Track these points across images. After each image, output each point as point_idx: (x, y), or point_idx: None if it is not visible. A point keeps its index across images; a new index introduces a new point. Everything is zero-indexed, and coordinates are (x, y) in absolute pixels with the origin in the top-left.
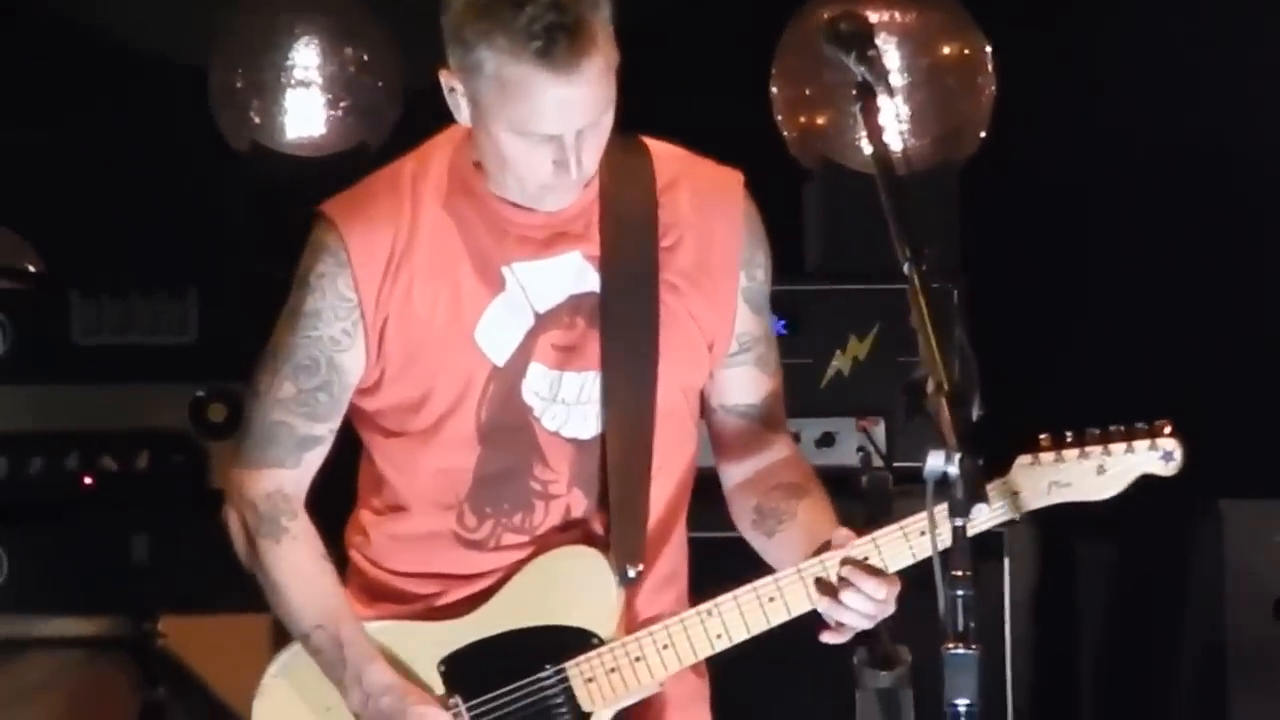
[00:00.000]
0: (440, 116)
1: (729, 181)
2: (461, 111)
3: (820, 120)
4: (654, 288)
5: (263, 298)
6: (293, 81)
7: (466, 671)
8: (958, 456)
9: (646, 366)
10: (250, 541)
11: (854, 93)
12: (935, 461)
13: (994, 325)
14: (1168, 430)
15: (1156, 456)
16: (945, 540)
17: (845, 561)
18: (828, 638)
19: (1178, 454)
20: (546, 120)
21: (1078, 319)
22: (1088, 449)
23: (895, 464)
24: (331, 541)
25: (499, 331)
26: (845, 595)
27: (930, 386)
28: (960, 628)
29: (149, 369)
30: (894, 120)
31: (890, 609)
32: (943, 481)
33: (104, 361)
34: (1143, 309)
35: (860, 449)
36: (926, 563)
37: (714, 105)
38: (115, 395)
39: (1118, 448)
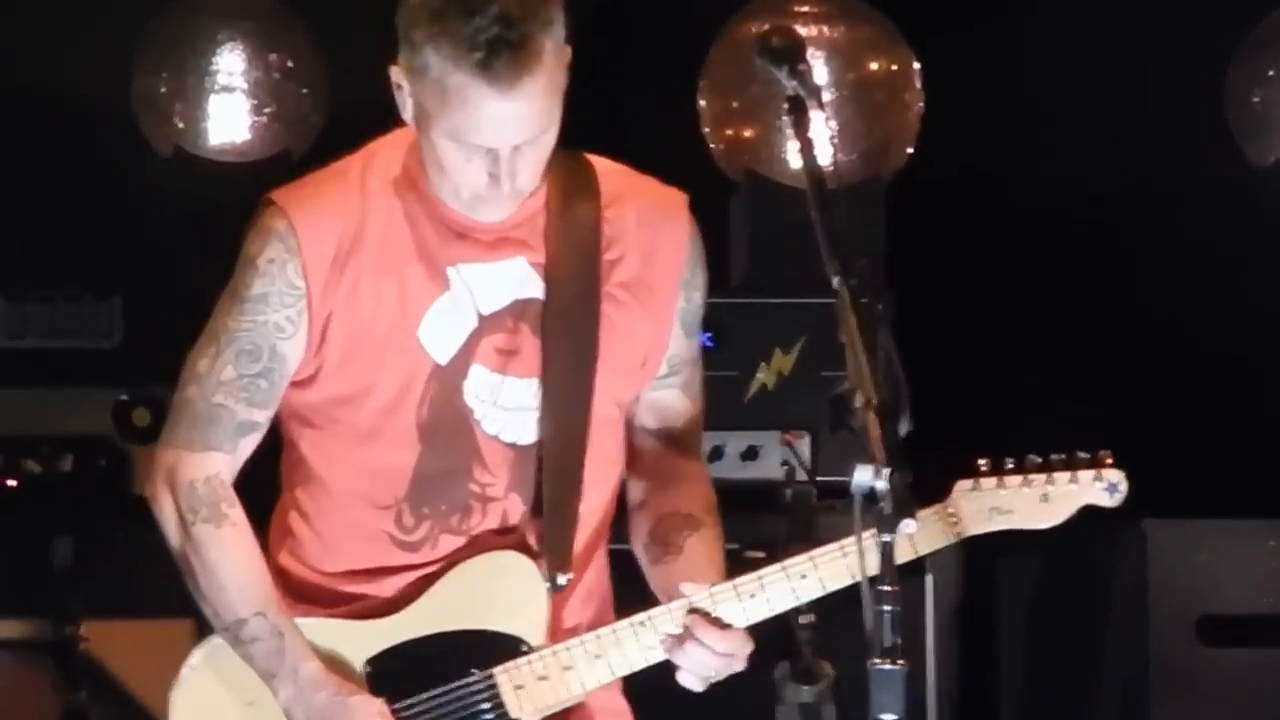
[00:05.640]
0: (364, 125)
1: (675, 202)
2: (407, 110)
3: (747, 133)
4: (596, 298)
5: (187, 303)
6: (217, 87)
7: (392, 673)
8: (886, 471)
9: (585, 376)
10: (185, 526)
11: (785, 107)
12: (863, 476)
13: (919, 340)
14: (1110, 461)
15: (1101, 488)
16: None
17: (692, 612)
18: (683, 680)
19: (1122, 486)
20: (482, 132)
21: (1003, 335)
22: (1030, 477)
23: (819, 478)
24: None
25: (442, 330)
26: (687, 646)
27: (858, 401)
28: (887, 643)
29: (73, 373)
30: (823, 135)
31: (739, 665)
32: (870, 496)
33: (28, 365)
34: (1069, 325)
35: (784, 463)
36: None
37: (640, 118)
38: (39, 399)
39: (1061, 477)
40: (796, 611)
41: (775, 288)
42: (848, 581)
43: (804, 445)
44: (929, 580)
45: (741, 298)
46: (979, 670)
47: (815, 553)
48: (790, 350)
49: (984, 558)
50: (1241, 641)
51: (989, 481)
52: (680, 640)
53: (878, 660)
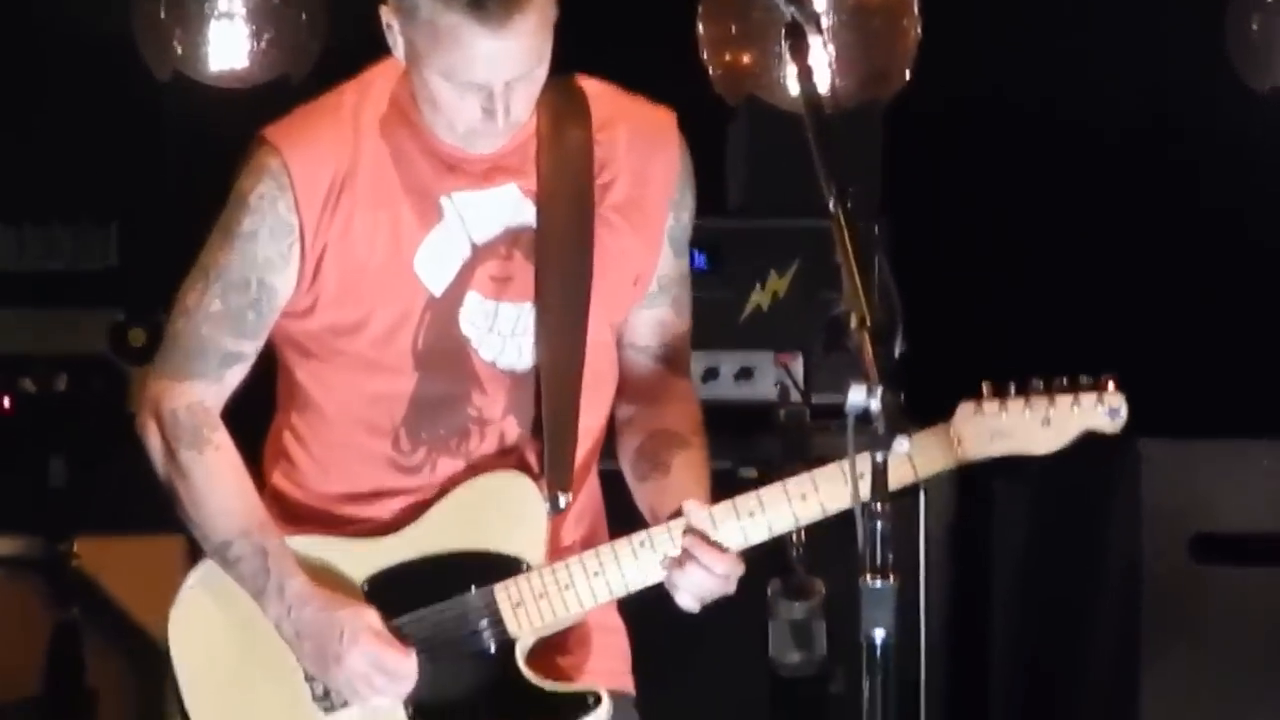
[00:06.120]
0: (363, 51)
1: (665, 122)
2: (398, 49)
3: (745, 58)
4: (589, 223)
5: (184, 227)
6: (216, 13)
7: (391, 591)
8: (879, 391)
9: (579, 300)
10: (170, 452)
11: (783, 32)
12: (856, 396)
13: (915, 263)
14: (1113, 386)
15: (1103, 412)
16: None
17: (689, 532)
18: (680, 600)
19: (1123, 411)
20: (475, 70)
21: (999, 258)
22: (1032, 400)
23: (813, 399)
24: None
25: (437, 261)
26: (687, 567)
27: (852, 322)
28: (878, 560)
29: (70, 295)
30: (821, 61)
31: (731, 588)
32: (864, 416)
33: (25, 287)
34: (1063, 249)
35: (778, 383)
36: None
37: (639, 42)
38: (35, 319)
39: (1063, 401)
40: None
41: (772, 210)
42: (847, 505)
43: (798, 366)
44: (923, 498)
45: (738, 220)
46: (972, 588)
47: (816, 472)
48: (785, 272)
49: (979, 476)
50: (1235, 560)
51: (991, 405)
52: (679, 561)
53: (869, 577)
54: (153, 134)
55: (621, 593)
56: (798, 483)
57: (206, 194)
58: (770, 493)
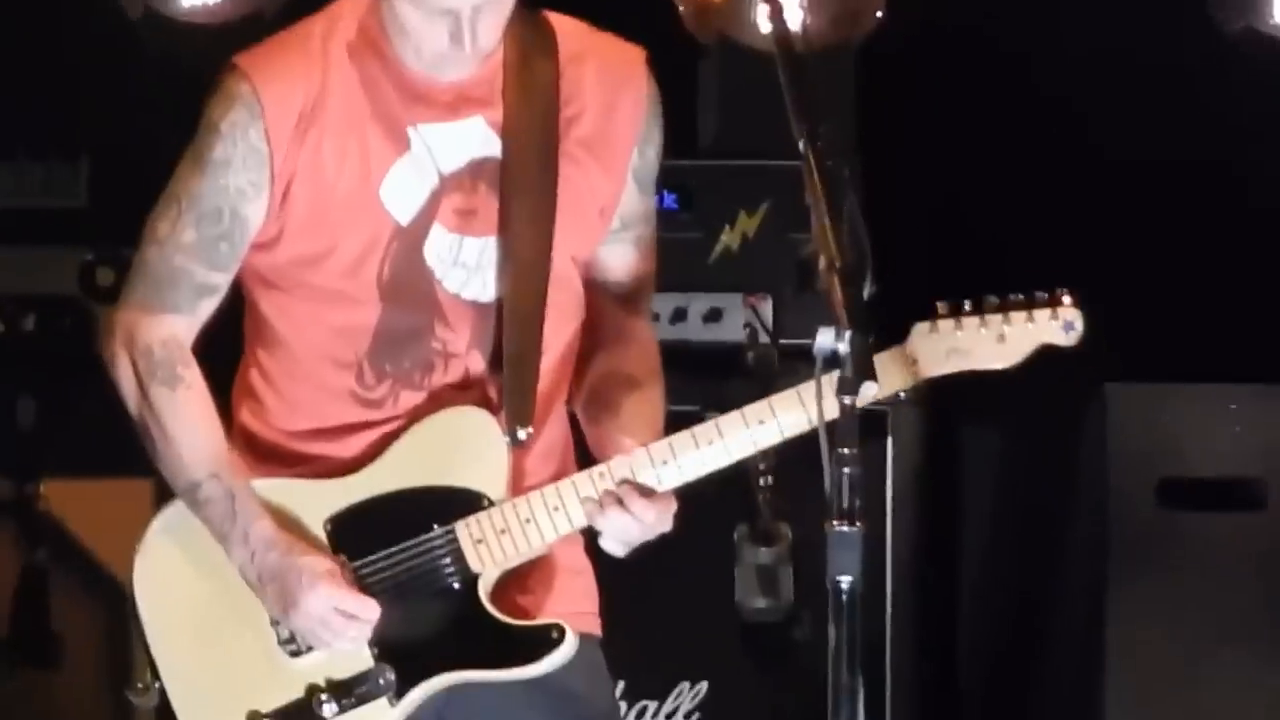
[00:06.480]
0: None
1: (633, 59)
2: None
3: None
4: (554, 156)
5: (155, 165)
6: None
7: (353, 531)
8: (848, 334)
9: (543, 234)
10: (142, 388)
11: None
12: (825, 338)
13: (887, 204)
14: (1068, 300)
15: (1058, 326)
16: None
17: (623, 483)
18: (606, 545)
19: (1078, 324)
20: None
21: (970, 200)
22: (987, 317)
23: (781, 340)
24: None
25: (404, 191)
26: (610, 511)
27: (822, 264)
28: (845, 505)
29: (38, 233)
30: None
31: (665, 526)
32: (832, 359)
33: None
34: (1033, 190)
35: (747, 325)
36: (811, 440)
37: None
38: (3, 258)
39: (1018, 316)
40: (756, 473)
41: (742, 151)
42: (806, 428)
43: (767, 308)
44: (890, 444)
45: (708, 160)
46: (938, 534)
47: (773, 398)
48: (755, 213)
49: (946, 421)
50: (1201, 505)
51: (946, 323)
52: (600, 504)
53: (836, 522)
54: (124, 70)
55: (581, 525)
56: (755, 409)
57: (178, 131)
58: (728, 420)
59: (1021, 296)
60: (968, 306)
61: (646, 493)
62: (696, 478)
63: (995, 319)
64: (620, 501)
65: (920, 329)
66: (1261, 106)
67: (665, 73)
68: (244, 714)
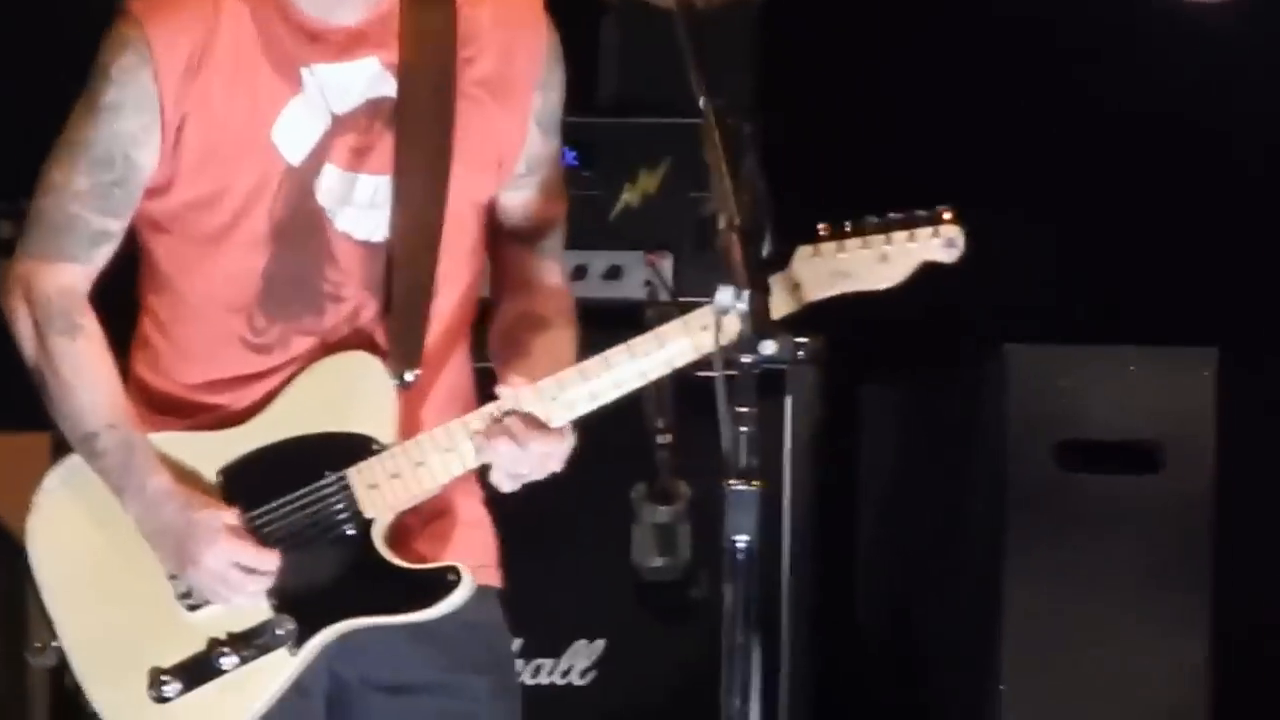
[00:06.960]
0: None
1: (531, 2)
2: None
3: None
4: (450, 96)
5: (50, 114)
6: None
7: (245, 481)
8: (746, 293)
9: (439, 174)
10: (40, 337)
11: None
12: (724, 296)
13: (788, 162)
14: (948, 216)
15: (939, 244)
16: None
17: (512, 412)
18: (495, 479)
19: (960, 240)
20: None
21: (873, 160)
22: (869, 238)
23: (681, 298)
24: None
25: (296, 131)
26: (497, 442)
27: (721, 222)
28: (743, 464)
29: None
30: None
31: (557, 464)
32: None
33: None
34: (936, 153)
35: (647, 282)
36: (710, 398)
37: None
38: None
39: (900, 236)
40: (655, 431)
41: (643, 108)
42: (693, 356)
43: (667, 266)
44: (788, 402)
45: (609, 117)
46: (836, 494)
47: (660, 329)
48: (656, 170)
49: (844, 382)
50: (1100, 467)
51: (828, 246)
52: (486, 434)
53: (733, 481)
54: (12, 14)
55: (473, 465)
56: (642, 341)
57: (71, 79)
58: (615, 352)
59: (902, 216)
60: (848, 227)
61: (534, 424)
62: (588, 411)
63: (877, 239)
64: (508, 431)
65: (803, 252)
66: (1173, 59)
67: (567, 28)
68: (144, 670)
